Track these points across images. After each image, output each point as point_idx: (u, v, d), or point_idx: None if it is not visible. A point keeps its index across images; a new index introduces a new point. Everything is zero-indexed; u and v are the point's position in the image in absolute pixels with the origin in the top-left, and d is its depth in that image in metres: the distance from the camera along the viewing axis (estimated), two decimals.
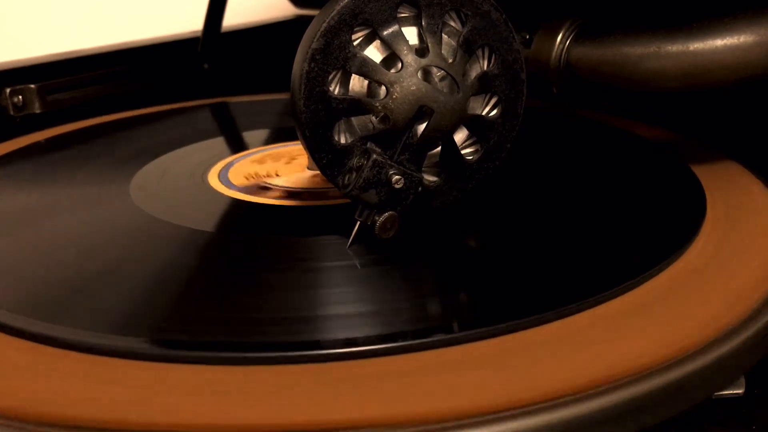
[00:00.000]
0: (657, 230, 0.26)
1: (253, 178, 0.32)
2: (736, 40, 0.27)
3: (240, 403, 0.17)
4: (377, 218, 0.24)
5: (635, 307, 0.21)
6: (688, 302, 0.21)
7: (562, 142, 0.37)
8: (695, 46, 0.28)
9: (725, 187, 0.29)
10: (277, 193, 0.31)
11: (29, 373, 0.19)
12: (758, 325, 0.20)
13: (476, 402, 0.17)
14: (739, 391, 0.20)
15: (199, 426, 0.17)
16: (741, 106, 0.37)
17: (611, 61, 0.30)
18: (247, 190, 0.31)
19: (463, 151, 0.25)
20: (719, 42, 0.27)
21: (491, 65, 0.25)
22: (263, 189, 0.31)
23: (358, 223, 0.24)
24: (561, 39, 0.33)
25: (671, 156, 0.34)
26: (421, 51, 0.24)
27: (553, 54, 0.33)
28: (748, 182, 0.30)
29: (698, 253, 0.24)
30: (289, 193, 0.30)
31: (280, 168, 0.34)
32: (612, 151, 0.35)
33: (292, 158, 0.35)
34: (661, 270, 0.23)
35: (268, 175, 0.33)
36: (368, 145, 0.24)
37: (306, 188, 0.31)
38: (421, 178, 0.24)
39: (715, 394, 0.20)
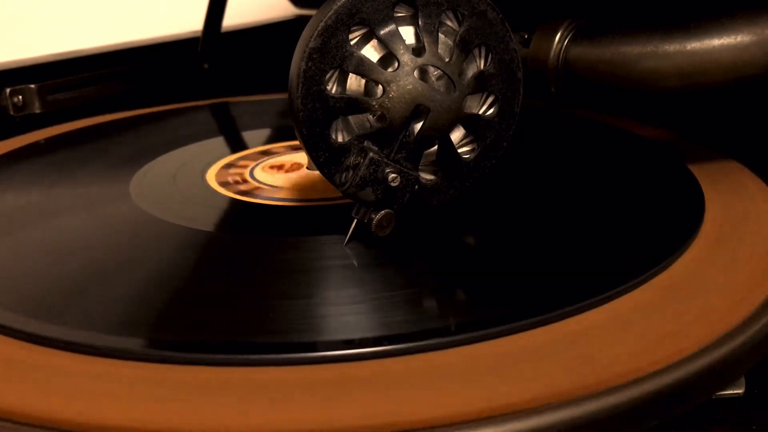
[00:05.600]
0: (656, 230, 0.26)
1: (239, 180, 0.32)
2: (733, 40, 0.27)
3: (239, 403, 0.17)
4: (374, 216, 0.24)
5: (635, 308, 0.21)
6: (687, 302, 0.21)
7: (561, 142, 0.37)
8: (692, 45, 0.28)
9: (724, 187, 0.29)
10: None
11: (29, 373, 0.19)
12: (758, 325, 0.20)
13: (475, 403, 0.17)
14: (739, 391, 0.20)
15: (198, 426, 0.17)
16: (741, 106, 0.37)
17: (609, 60, 0.30)
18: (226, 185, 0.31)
19: (459, 150, 0.25)
20: (716, 41, 0.27)
21: (488, 64, 0.25)
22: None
23: (355, 220, 0.24)
24: (559, 38, 0.33)
25: (670, 156, 0.33)
26: (417, 50, 0.24)
27: (552, 53, 0.33)
28: (748, 182, 0.30)
29: (697, 253, 0.24)
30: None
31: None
32: (611, 151, 0.35)
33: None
34: (660, 270, 0.23)
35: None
36: (365, 143, 0.24)
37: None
38: (418, 177, 0.24)
39: (715, 394, 0.20)
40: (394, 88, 0.23)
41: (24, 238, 0.27)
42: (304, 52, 0.23)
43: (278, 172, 0.33)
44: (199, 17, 0.51)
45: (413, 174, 0.24)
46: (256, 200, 0.30)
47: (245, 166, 0.34)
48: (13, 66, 0.43)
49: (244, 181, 0.32)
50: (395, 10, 0.24)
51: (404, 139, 0.24)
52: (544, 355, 0.19)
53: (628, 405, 0.17)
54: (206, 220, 0.28)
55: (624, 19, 0.31)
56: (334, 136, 0.24)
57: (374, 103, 0.23)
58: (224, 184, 0.32)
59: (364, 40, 0.24)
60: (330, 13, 0.23)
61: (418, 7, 0.24)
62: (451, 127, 0.24)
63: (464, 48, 0.24)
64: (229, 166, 0.34)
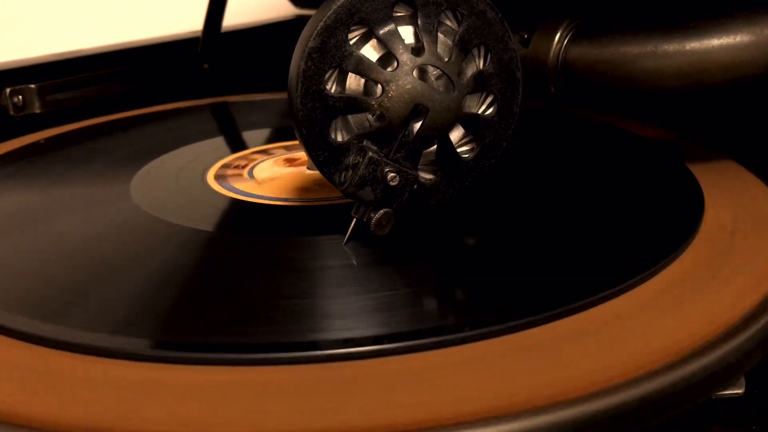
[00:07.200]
0: (656, 230, 0.26)
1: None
2: (732, 40, 0.27)
3: (239, 403, 0.17)
4: (373, 215, 0.24)
5: (634, 308, 0.21)
6: (687, 302, 0.21)
7: (561, 142, 0.37)
8: (692, 45, 0.28)
9: (724, 187, 0.29)
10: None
11: (29, 373, 0.19)
12: (758, 325, 0.20)
13: (475, 402, 0.17)
14: (739, 391, 0.20)
15: (198, 426, 0.17)
16: (740, 106, 0.37)
17: (608, 60, 0.30)
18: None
19: (459, 150, 0.25)
20: (716, 41, 0.27)
21: (487, 64, 0.25)
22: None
23: (355, 220, 0.24)
24: (559, 38, 0.33)
25: (670, 156, 0.33)
26: (416, 50, 0.24)
27: (551, 53, 0.33)
28: (747, 182, 0.30)
29: (697, 253, 0.24)
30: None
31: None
32: (611, 151, 0.35)
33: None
34: (659, 270, 0.23)
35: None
36: (364, 142, 0.24)
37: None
38: (417, 176, 0.24)
39: (715, 394, 0.20)
40: (393, 87, 0.23)
41: (24, 238, 0.27)
42: (304, 51, 0.23)
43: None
44: (199, 17, 0.51)
45: (412, 173, 0.24)
46: (255, 200, 0.30)
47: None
48: (13, 66, 0.43)
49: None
50: (394, 9, 0.24)
51: (403, 139, 0.24)
52: (543, 355, 0.19)
53: (628, 405, 0.17)
54: (206, 220, 0.28)
55: (623, 19, 0.31)
56: (333, 136, 0.24)
57: (373, 102, 0.23)
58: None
59: (364, 40, 0.24)
60: (329, 13, 0.23)
61: (418, 7, 0.24)
62: (450, 127, 0.24)
63: (463, 48, 0.24)
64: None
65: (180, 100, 0.48)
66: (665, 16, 0.30)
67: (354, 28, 0.23)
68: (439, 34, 0.24)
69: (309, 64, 0.23)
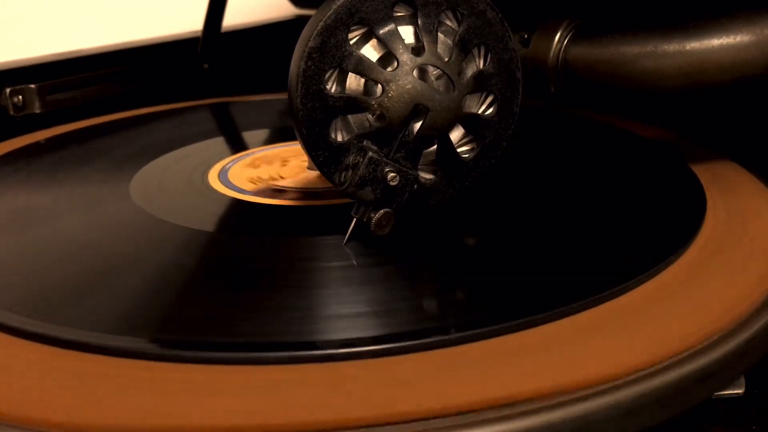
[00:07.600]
0: (657, 230, 0.26)
1: (258, 182, 0.32)
2: (732, 40, 0.27)
3: (238, 403, 0.18)
4: (373, 215, 0.24)
5: (635, 308, 0.21)
6: (687, 302, 0.21)
7: (561, 142, 0.37)
8: (692, 45, 0.28)
9: (725, 187, 0.29)
10: (292, 195, 0.30)
11: (29, 373, 0.19)
12: (758, 325, 0.20)
13: (475, 402, 0.17)
14: (739, 391, 0.20)
15: (198, 426, 0.17)
16: (741, 106, 0.37)
17: (608, 60, 0.30)
18: (259, 193, 0.31)
19: (459, 150, 0.25)
20: (716, 41, 0.27)
21: (487, 64, 0.25)
22: (277, 192, 0.31)
23: (355, 220, 0.24)
24: (559, 38, 0.33)
25: (671, 156, 0.33)
26: (416, 50, 0.24)
27: (551, 53, 0.33)
28: (748, 182, 0.30)
29: (698, 253, 0.24)
30: (305, 194, 0.30)
31: (279, 171, 0.34)
32: (612, 151, 0.35)
33: (285, 160, 0.35)
34: (660, 270, 0.23)
35: (272, 179, 0.32)
36: (364, 142, 0.24)
37: (318, 188, 0.31)
38: (417, 176, 0.24)
39: (715, 394, 0.20)
40: (393, 87, 0.23)
41: (24, 238, 0.27)
42: (304, 51, 0.23)
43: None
44: (199, 17, 0.51)
45: (412, 173, 0.24)
46: (255, 200, 0.30)
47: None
48: (13, 66, 0.43)
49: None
50: (394, 9, 0.24)
51: (403, 139, 0.24)
52: (542, 355, 0.19)
53: (628, 404, 0.17)
54: (206, 220, 0.28)
55: (623, 19, 0.31)
56: (333, 136, 0.24)
57: (373, 102, 0.23)
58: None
59: (364, 40, 0.24)
60: (329, 13, 0.23)
61: (418, 7, 0.24)
62: (450, 127, 0.24)
63: (463, 47, 0.24)
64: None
65: (180, 100, 0.48)
66: (665, 16, 0.30)
67: (354, 28, 0.23)
68: (439, 34, 0.24)
69: (309, 63, 0.23)
